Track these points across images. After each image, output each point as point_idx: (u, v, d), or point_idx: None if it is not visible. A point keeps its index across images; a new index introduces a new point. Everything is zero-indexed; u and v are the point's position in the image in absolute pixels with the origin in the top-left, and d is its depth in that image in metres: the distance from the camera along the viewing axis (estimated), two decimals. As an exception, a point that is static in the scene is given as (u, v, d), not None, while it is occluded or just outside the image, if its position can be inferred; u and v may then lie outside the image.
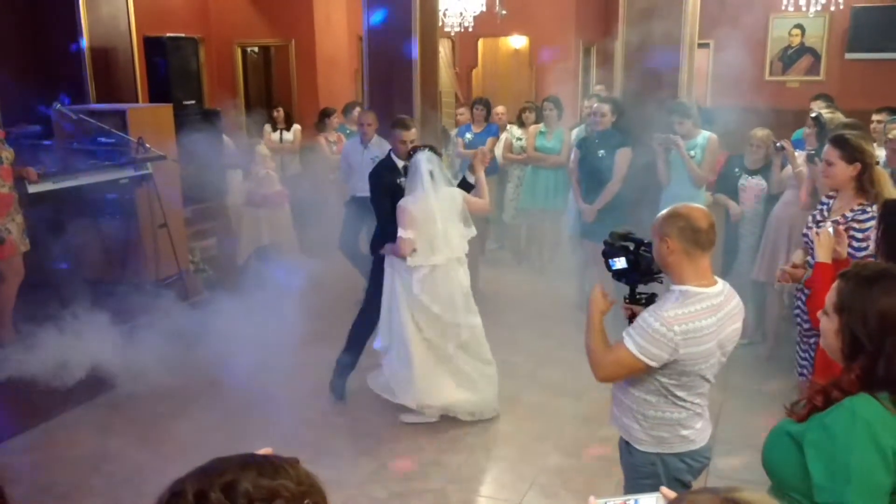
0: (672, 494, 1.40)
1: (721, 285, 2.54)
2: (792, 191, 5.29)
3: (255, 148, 8.03)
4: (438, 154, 4.60)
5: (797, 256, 3.94)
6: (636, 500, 1.43)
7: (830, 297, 1.93)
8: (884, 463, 1.73)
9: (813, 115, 5.30)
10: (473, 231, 4.71)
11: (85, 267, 6.02)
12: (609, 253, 2.74)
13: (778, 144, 5.41)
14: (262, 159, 7.96)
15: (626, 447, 2.74)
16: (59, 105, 6.40)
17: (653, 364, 2.44)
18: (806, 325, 3.69)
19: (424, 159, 4.45)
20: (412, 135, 4.94)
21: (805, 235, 3.74)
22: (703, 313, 2.43)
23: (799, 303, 3.78)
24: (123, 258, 6.22)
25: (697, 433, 2.64)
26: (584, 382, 5.29)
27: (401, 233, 4.44)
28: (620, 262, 2.72)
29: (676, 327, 2.38)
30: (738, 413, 4.86)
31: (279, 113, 8.87)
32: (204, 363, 5.29)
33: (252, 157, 8.07)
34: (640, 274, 2.69)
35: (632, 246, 2.69)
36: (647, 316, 2.45)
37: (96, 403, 5.02)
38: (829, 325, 1.93)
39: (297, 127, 8.89)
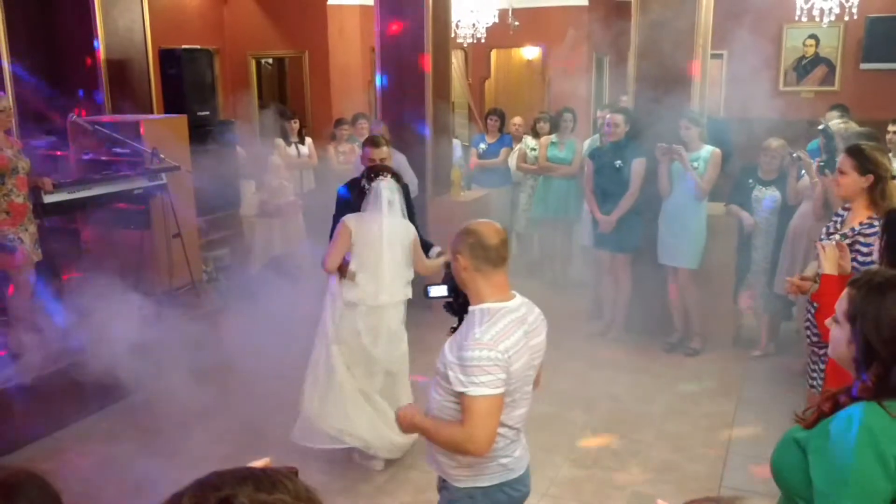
0: None
1: (519, 299, 2.50)
2: (809, 202, 5.25)
3: (269, 158, 8.06)
4: (401, 183, 4.32)
5: (810, 269, 3.92)
6: None
7: (841, 305, 1.92)
8: (884, 470, 1.71)
9: (819, 127, 5.27)
10: (411, 274, 4.35)
11: (98, 276, 6.05)
12: (443, 281, 2.65)
13: (794, 155, 5.38)
14: (276, 170, 8.00)
15: (442, 484, 2.61)
16: (74, 116, 6.46)
17: (501, 392, 2.31)
18: (815, 339, 3.66)
19: (386, 188, 4.18)
20: (382, 153, 4.66)
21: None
22: (512, 327, 2.39)
23: (809, 315, 3.75)
24: (137, 268, 6.25)
25: (516, 461, 2.54)
26: (595, 393, 5.30)
27: (331, 248, 4.21)
28: (439, 290, 2.63)
29: (501, 346, 2.31)
30: (751, 425, 4.82)
31: (295, 125, 8.25)
32: (216, 372, 5.30)
33: (265, 167, 8.10)
34: (464, 300, 2.54)
35: None
36: (463, 353, 2.30)
37: (108, 412, 5.05)
38: (839, 333, 1.92)
39: (310, 140, 8.41)
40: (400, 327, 4.39)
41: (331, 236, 4.35)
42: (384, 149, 4.72)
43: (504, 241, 2.46)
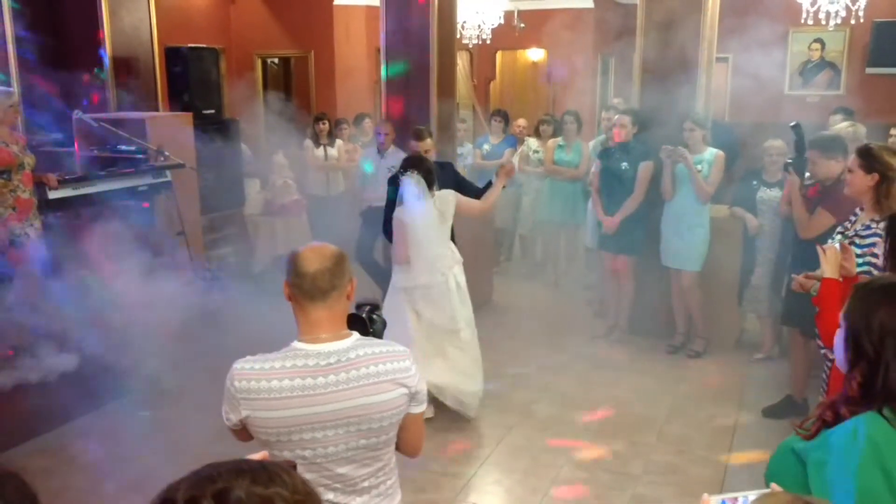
0: (779, 489, 1.43)
1: (345, 343, 2.08)
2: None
3: (273, 157, 8.07)
4: (429, 177, 4.65)
5: (820, 269, 3.91)
6: (745, 497, 1.43)
7: (844, 307, 1.93)
8: (888, 484, 1.68)
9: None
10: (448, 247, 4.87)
11: (101, 273, 6.07)
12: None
13: (787, 160, 5.36)
14: (280, 169, 8.01)
15: None
16: (80, 113, 6.48)
17: (230, 426, 2.09)
18: (820, 343, 3.65)
19: (412, 183, 4.56)
20: (425, 145, 5.06)
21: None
22: (280, 373, 2.03)
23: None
24: (140, 265, 6.26)
25: None
26: (597, 395, 5.30)
27: (398, 243, 4.74)
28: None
29: (237, 382, 2.04)
30: (754, 428, 4.81)
31: (324, 126, 8.05)
32: (218, 370, 5.29)
33: (270, 166, 8.11)
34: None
35: (365, 311, 2.33)
36: None
37: (108, 409, 5.04)
38: (839, 333, 1.93)
39: (339, 141, 8.25)
40: (461, 290, 4.85)
41: (384, 231, 5.05)
42: (427, 141, 5.15)
43: (325, 272, 2.05)
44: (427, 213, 4.63)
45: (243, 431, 2.11)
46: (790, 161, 4.85)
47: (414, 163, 4.68)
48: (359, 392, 2.04)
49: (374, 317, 2.31)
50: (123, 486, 4.07)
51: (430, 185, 4.63)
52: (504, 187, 5.04)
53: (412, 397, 2.14)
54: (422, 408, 2.20)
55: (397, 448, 2.23)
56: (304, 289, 2.06)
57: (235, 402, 2.05)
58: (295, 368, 2.03)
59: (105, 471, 4.26)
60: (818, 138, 4.80)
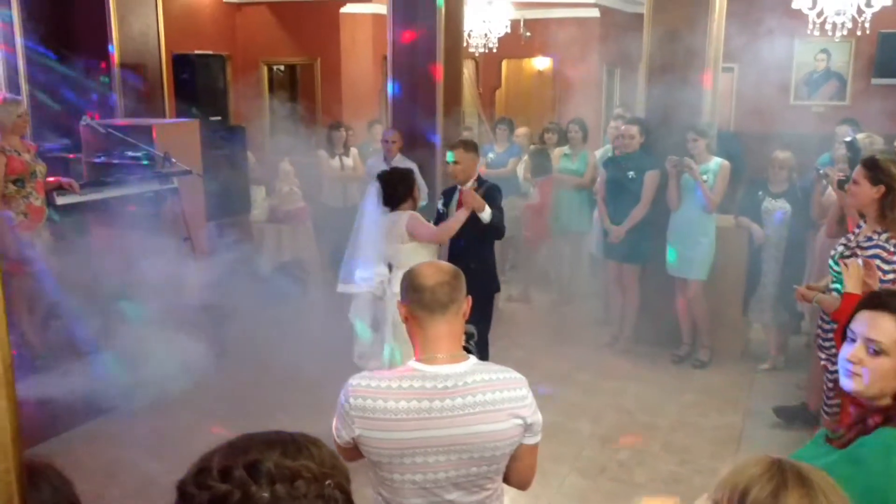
0: None
1: (462, 367, 2.03)
2: None
3: (279, 165, 8.08)
4: (388, 191, 4.58)
5: (824, 280, 3.89)
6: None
7: (886, 333, 1.80)
8: None
9: (847, 139, 5.19)
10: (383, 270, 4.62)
11: (107, 279, 6.08)
12: None
13: (821, 171, 5.33)
14: (286, 176, 8.02)
15: None
16: (88, 119, 6.51)
17: (341, 443, 2.04)
18: (824, 356, 3.63)
19: (373, 192, 4.58)
20: (453, 156, 4.84)
21: (831, 258, 3.69)
22: (397, 394, 1.97)
23: (819, 330, 3.73)
24: (146, 271, 6.27)
25: None
26: (602, 404, 5.29)
27: None
28: None
29: (353, 399, 1.99)
30: (758, 438, 4.80)
31: (340, 133, 7.80)
32: (223, 376, 5.31)
33: (276, 173, 8.13)
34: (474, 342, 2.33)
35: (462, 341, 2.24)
36: None
37: (114, 414, 5.04)
38: (888, 363, 1.79)
39: (355, 151, 8.00)
40: (365, 320, 4.64)
41: None
42: (458, 151, 4.83)
43: (444, 284, 2.04)
44: (369, 222, 4.60)
45: (353, 450, 2.06)
46: (844, 179, 4.76)
47: (381, 175, 4.66)
48: (473, 419, 1.99)
49: (467, 346, 2.23)
50: (127, 492, 4.08)
51: (385, 200, 4.51)
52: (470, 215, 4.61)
53: (527, 428, 2.07)
54: (536, 439, 2.12)
55: (505, 479, 2.17)
56: (424, 303, 2.03)
57: (349, 419, 1.99)
58: (412, 390, 1.98)
59: (110, 476, 4.27)
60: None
